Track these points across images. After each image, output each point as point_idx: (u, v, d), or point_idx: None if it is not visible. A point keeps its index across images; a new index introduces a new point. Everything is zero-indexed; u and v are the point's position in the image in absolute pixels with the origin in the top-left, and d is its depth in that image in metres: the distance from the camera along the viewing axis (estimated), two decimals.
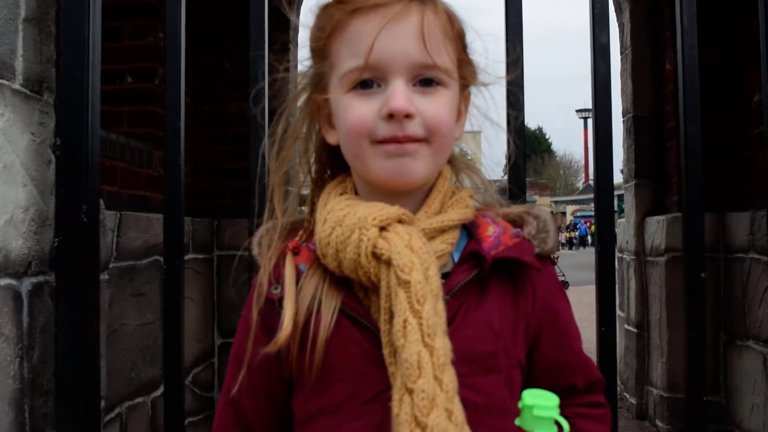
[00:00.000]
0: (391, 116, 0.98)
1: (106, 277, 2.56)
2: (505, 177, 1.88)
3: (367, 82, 1.01)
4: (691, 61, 1.81)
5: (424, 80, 1.01)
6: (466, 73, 1.10)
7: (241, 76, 4.52)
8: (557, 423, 0.93)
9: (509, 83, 1.64)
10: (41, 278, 1.90)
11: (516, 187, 1.76)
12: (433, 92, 1.02)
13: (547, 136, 58.83)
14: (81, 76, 1.85)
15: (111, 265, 2.97)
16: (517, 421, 0.94)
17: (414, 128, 0.99)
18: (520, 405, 0.94)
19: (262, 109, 1.65)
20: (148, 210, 3.57)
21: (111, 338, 2.92)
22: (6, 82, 1.78)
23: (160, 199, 3.72)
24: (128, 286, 3.22)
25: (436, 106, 1.01)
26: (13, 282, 1.80)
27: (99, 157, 1.93)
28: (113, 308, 2.97)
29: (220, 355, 4.46)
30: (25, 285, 1.84)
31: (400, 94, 0.98)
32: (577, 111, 43.40)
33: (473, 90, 1.14)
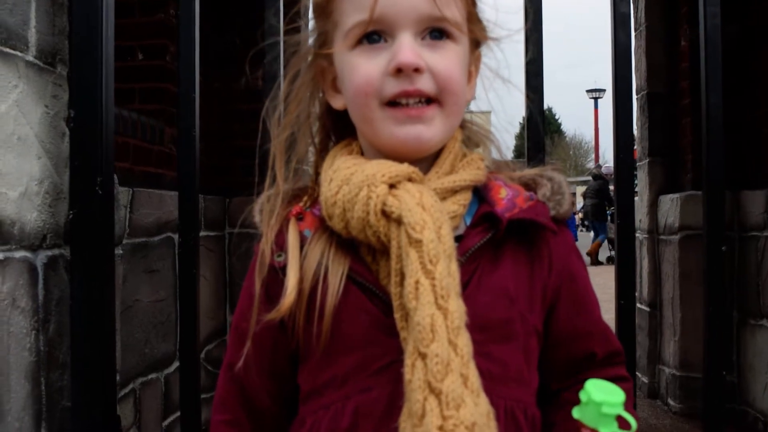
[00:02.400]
0: (399, 71, 0.93)
1: (120, 252, 2.56)
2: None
3: (373, 35, 0.96)
4: (713, 30, 1.78)
5: (434, 32, 0.96)
6: (476, 29, 1.05)
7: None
8: (618, 417, 0.88)
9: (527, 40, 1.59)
10: (56, 251, 1.89)
11: (532, 145, 1.73)
12: (443, 46, 0.97)
13: (556, 117, 58.46)
14: (94, 47, 1.83)
15: (124, 242, 2.97)
16: (576, 414, 0.91)
17: (424, 83, 0.94)
18: (583, 398, 0.89)
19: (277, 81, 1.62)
20: (161, 187, 3.56)
21: (124, 314, 2.93)
22: (19, 54, 1.77)
23: (172, 176, 3.71)
24: (141, 262, 3.21)
25: (445, 60, 0.96)
26: (28, 255, 1.79)
27: (113, 128, 1.92)
28: (126, 284, 2.97)
29: None
30: (41, 258, 1.84)
31: (407, 47, 0.93)
32: (588, 91, 43.06)
33: (485, 51, 1.09)
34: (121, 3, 3.39)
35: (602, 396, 0.88)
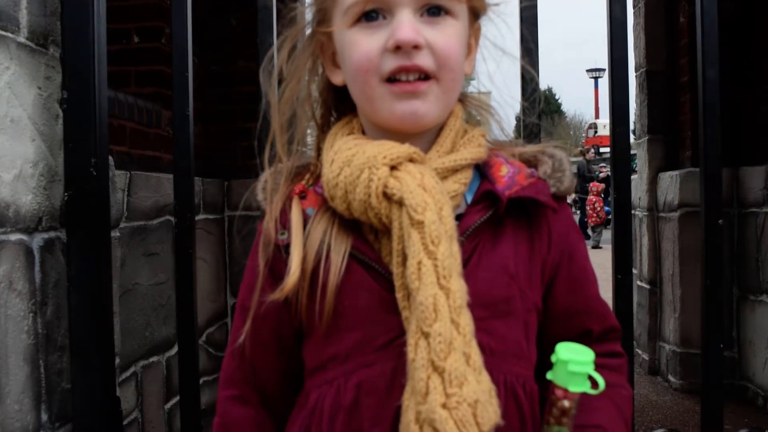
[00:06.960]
0: (398, 48, 0.93)
1: (118, 235, 2.56)
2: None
3: (372, 13, 0.96)
4: (710, 4, 1.77)
5: (432, 8, 0.96)
6: (475, 1, 1.04)
7: (248, 34, 4.49)
8: (590, 378, 0.90)
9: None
10: (52, 234, 1.89)
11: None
12: (442, 22, 0.97)
13: (557, 97, 58.24)
14: (86, 28, 1.82)
15: (122, 225, 2.97)
16: (549, 375, 0.92)
17: (423, 59, 0.94)
18: (553, 359, 0.91)
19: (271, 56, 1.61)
20: (159, 170, 3.56)
21: (124, 298, 2.93)
22: (11, 35, 1.76)
23: (169, 159, 3.70)
24: (140, 245, 3.21)
25: (444, 36, 0.96)
26: (24, 237, 1.79)
27: (107, 109, 1.91)
28: (125, 268, 2.97)
29: (233, 314, 4.47)
30: (37, 241, 1.84)
31: (406, 24, 0.93)
32: (588, 71, 42.98)
33: (483, 21, 1.08)
34: None
35: (569, 355, 0.90)
